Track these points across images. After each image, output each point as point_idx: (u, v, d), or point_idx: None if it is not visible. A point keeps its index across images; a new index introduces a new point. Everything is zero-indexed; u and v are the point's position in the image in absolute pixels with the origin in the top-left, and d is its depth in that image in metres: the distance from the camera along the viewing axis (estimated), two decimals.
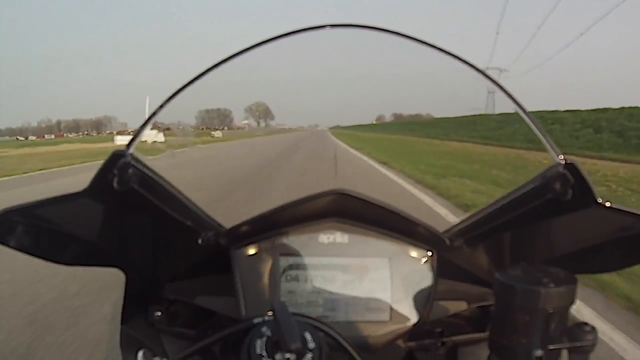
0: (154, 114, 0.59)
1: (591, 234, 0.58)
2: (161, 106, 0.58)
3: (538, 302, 0.49)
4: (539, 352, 0.50)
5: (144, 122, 0.59)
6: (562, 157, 0.55)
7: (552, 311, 0.49)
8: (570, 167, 0.54)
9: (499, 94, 0.60)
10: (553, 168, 0.56)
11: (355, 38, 0.63)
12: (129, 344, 0.65)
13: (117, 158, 0.53)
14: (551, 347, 0.50)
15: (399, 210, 0.68)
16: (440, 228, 0.72)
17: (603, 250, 0.58)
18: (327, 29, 0.59)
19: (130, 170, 0.54)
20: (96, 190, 0.53)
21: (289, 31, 0.59)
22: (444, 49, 0.59)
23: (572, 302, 0.50)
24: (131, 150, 0.55)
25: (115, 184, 0.53)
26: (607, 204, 0.52)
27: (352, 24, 0.60)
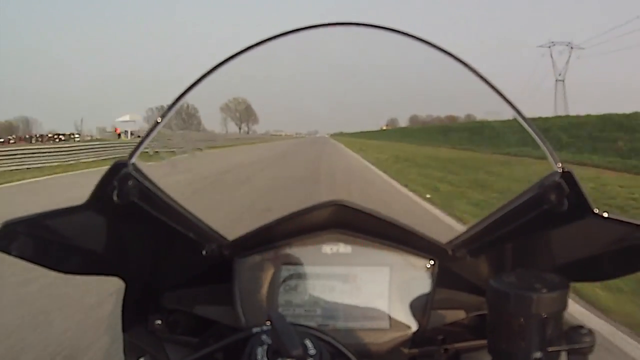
0: (157, 123, 0.59)
1: (589, 244, 0.59)
2: (163, 115, 0.59)
3: (531, 307, 0.49)
4: (537, 355, 0.50)
5: (147, 132, 0.60)
6: (560, 166, 0.56)
7: (546, 316, 0.50)
8: (566, 176, 0.55)
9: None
10: (550, 177, 0.56)
11: (359, 38, 0.62)
12: (131, 352, 0.66)
13: (119, 169, 0.54)
14: (549, 350, 0.50)
15: (399, 222, 0.69)
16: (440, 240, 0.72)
17: (601, 259, 0.59)
18: (330, 27, 0.60)
19: (131, 182, 0.54)
20: (96, 203, 0.54)
21: (289, 30, 0.59)
22: (443, 48, 0.60)
23: (565, 307, 0.51)
24: (133, 160, 0.55)
25: (115, 197, 0.54)
26: (604, 214, 0.53)
27: (356, 22, 0.60)
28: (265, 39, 0.59)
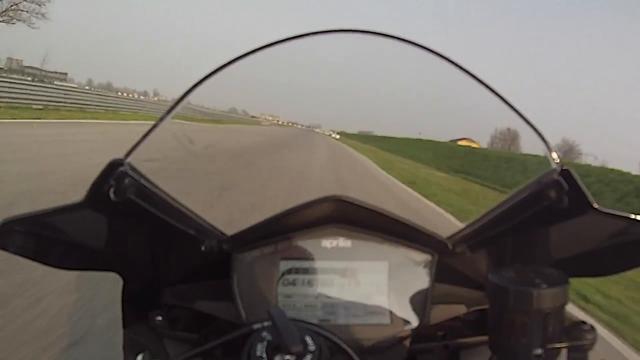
0: (156, 124, 0.59)
1: (589, 239, 0.59)
2: (162, 118, 0.59)
3: (531, 302, 0.49)
4: (538, 351, 0.50)
5: (147, 130, 0.59)
6: (558, 162, 0.55)
7: (547, 311, 0.49)
8: (565, 173, 0.54)
9: None
10: (549, 174, 0.56)
11: (367, 46, 0.62)
12: (131, 348, 0.66)
13: (114, 167, 0.54)
14: (550, 346, 0.50)
15: (398, 217, 0.69)
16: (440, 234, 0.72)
17: (601, 254, 0.59)
18: (347, 34, 0.60)
19: (127, 180, 0.54)
20: (93, 201, 0.54)
21: (304, 32, 0.59)
22: (457, 61, 0.59)
23: (565, 302, 0.51)
24: (129, 159, 0.56)
25: (111, 195, 0.54)
26: (604, 210, 0.53)
27: (365, 30, 0.60)
28: (280, 39, 0.58)
